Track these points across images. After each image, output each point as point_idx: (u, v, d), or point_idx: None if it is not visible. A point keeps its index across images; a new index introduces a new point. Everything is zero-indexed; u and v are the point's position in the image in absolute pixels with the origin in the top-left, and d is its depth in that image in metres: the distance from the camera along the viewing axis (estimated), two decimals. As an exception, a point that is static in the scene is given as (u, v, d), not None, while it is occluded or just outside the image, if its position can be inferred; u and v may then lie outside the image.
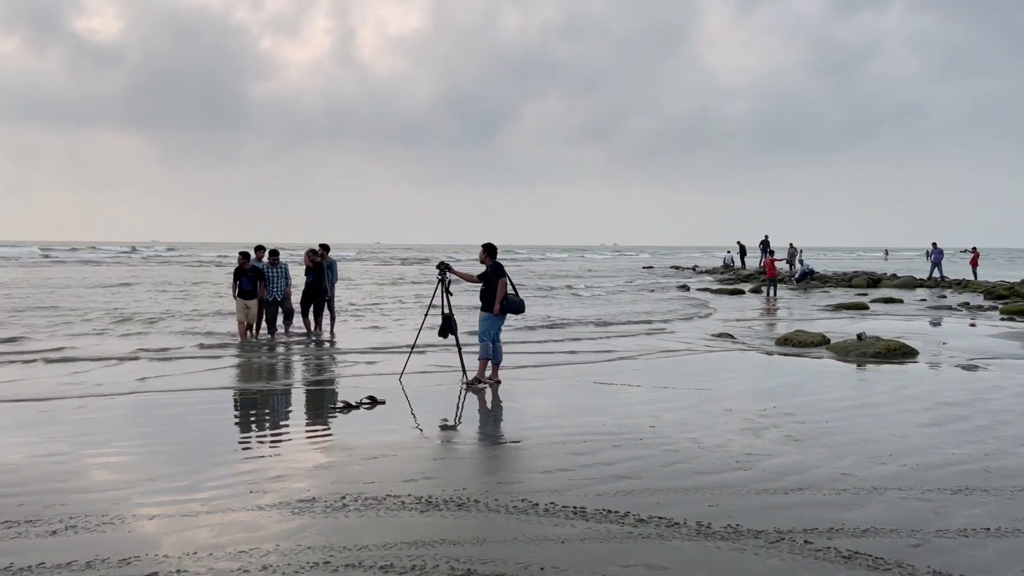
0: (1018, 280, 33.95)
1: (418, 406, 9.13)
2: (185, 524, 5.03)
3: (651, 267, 61.06)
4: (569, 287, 34.63)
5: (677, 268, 58.31)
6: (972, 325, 18.61)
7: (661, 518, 5.11)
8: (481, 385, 10.17)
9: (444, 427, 8.20)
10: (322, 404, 9.49)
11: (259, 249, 15.60)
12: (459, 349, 10.82)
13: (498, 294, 10.25)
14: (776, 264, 31.07)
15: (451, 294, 10.80)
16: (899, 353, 13.06)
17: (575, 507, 5.32)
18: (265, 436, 7.84)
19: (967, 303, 25.11)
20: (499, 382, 10.29)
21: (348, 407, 8.87)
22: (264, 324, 14.99)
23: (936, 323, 19.18)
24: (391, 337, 15.61)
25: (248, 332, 14.58)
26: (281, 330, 15.35)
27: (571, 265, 67.30)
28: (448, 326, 10.73)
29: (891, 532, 4.84)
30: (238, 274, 14.66)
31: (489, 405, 9.24)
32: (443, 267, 10.81)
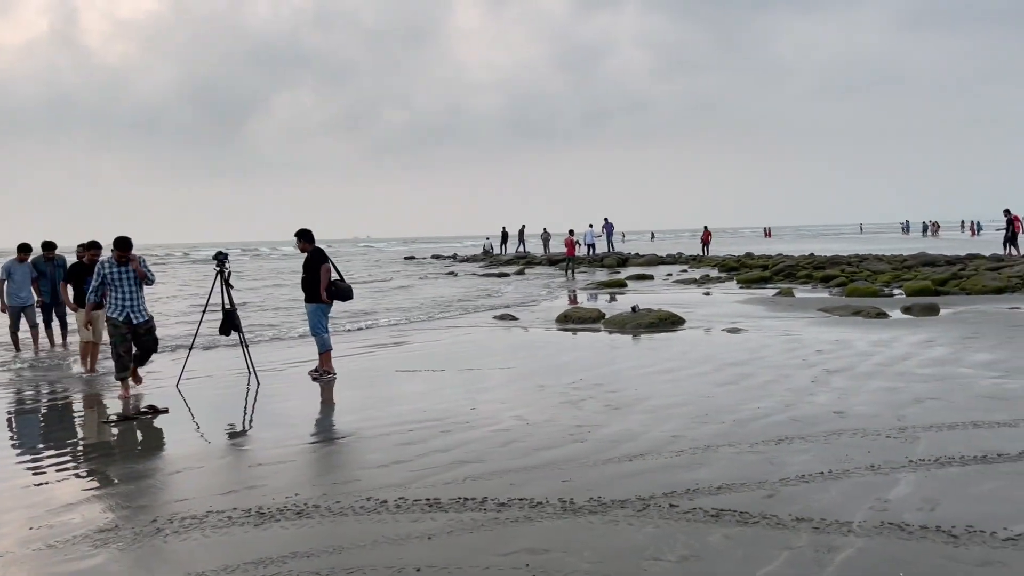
0: (743, 253, 38.11)
1: (208, 413, 8.19)
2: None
3: (412, 257, 60.89)
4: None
5: (438, 257, 58.73)
6: (716, 294, 20.43)
7: (522, 499, 4.87)
8: (330, 376, 9.63)
9: (244, 432, 7.37)
10: (93, 419, 8.20)
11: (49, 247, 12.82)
12: (245, 347, 9.88)
13: (322, 281, 9.57)
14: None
15: (231, 286, 9.84)
16: (670, 322, 13.93)
17: (428, 499, 4.92)
18: (37, 460, 6.51)
19: (707, 275, 27.65)
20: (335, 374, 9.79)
21: (125, 419, 7.72)
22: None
23: (689, 295, 20.83)
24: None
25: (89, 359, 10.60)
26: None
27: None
28: (231, 322, 9.79)
29: (742, 487, 4.97)
30: (80, 273, 10.66)
31: (295, 403, 8.48)
32: (221, 257, 9.85)
